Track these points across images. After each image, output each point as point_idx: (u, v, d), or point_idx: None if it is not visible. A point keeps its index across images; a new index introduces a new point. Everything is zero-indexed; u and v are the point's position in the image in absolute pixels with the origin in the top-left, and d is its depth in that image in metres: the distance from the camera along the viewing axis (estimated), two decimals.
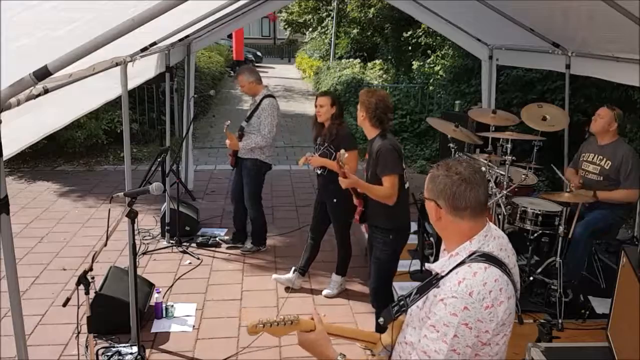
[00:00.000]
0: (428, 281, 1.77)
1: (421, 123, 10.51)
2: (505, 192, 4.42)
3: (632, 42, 3.62)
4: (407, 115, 10.97)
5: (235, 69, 23.37)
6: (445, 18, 6.32)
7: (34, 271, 5.05)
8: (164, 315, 4.31)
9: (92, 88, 3.09)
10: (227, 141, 5.24)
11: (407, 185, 3.65)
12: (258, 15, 7.05)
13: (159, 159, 5.53)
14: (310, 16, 23.05)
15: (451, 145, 5.13)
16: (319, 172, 4.53)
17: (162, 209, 5.94)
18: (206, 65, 15.93)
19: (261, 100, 5.18)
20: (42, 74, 1.76)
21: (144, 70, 4.63)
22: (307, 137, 11.71)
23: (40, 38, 1.93)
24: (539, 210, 4.37)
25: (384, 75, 15.36)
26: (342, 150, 3.38)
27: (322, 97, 4.49)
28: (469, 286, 1.62)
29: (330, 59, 20.10)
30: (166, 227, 5.77)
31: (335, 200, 4.45)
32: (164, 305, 4.34)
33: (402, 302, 1.82)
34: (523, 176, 4.47)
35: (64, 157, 9.18)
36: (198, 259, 5.39)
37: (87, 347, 3.56)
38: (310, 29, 24.16)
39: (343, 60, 17.95)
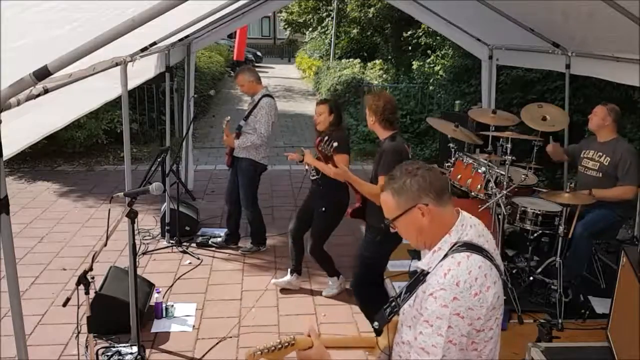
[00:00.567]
0: (415, 278, 1.80)
1: (421, 123, 10.51)
2: (505, 192, 4.42)
3: (632, 42, 3.62)
4: (407, 115, 10.97)
5: (236, 69, 23.42)
6: (445, 18, 6.32)
7: (34, 271, 5.05)
8: (164, 315, 4.31)
9: (92, 88, 3.08)
10: (224, 136, 5.26)
11: None
12: (258, 15, 7.05)
13: (159, 159, 5.54)
14: (310, 16, 23.04)
15: (451, 145, 5.12)
16: (313, 177, 4.48)
17: (162, 209, 5.94)
18: (206, 65, 15.93)
19: (259, 100, 5.20)
20: (42, 74, 1.76)
21: (144, 70, 4.63)
22: (307, 137, 11.72)
23: (40, 38, 1.93)
24: (539, 210, 4.36)
25: (384, 75, 15.36)
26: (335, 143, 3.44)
27: (321, 104, 4.46)
28: (455, 276, 1.65)
29: (330, 59, 20.08)
30: (166, 227, 5.77)
31: (323, 209, 4.42)
32: (164, 305, 4.34)
33: (394, 303, 1.83)
34: (523, 176, 4.46)
35: (64, 157, 9.18)
36: (198, 259, 5.39)
37: (87, 347, 3.56)
38: (310, 29, 24.16)
39: (343, 60, 17.92)
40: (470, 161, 4.80)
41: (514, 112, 5.34)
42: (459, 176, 4.84)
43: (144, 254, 5.46)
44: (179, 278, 5.00)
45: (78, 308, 2.94)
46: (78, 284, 2.92)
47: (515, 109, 6.33)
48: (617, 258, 3.20)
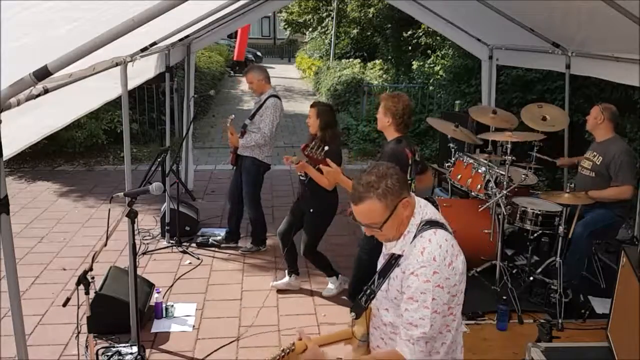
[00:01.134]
0: (387, 263, 1.94)
1: (421, 123, 10.49)
2: (505, 192, 4.42)
3: (632, 42, 3.62)
4: None
5: (236, 69, 23.41)
6: (445, 18, 6.32)
7: (34, 271, 5.05)
8: (164, 315, 4.31)
9: (92, 88, 3.08)
10: (229, 134, 5.27)
11: None
12: (258, 16, 7.05)
13: (159, 159, 5.54)
14: (310, 16, 23.02)
15: (451, 145, 5.12)
16: (302, 178, 4.45)
17: (162, 209, 5.93)
18: (206, 65, 15.93)
19: (266, 100, 5.21)
20: (42, 74, 1.76)
21: (144, 70, 4.63)
22: (307, 137, 11.70)
23: (40, 38, 1.93)
24: (539, 210, 4.36)
25: (384, 75, 15.36)
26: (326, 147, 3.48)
27: (310, 108, 4.47)
28: (430, 252, 1.82)
29: (330, 59, 20.07)
30: (166, 227, 5.77)
31: (311, 210, 4.40)
32: (164, 305, 4.34)
33: (369, 291, 1.99)
34: (523, 176, 4.46)
35: (64, 157, 9.18)
36: (198, 259, 5.39)
37: (87, 347, 3.56)
38: (310, 29, 24.14)
39: (343, 60, 17.92)
40: (470, 161, 4.81)
41: (514, 112, 5.34)
42: (459, 176, 4.84)
43: (144, 254, 5.46)
44: (179, 278, 5.00)
45: (78, 308, 2.94)
46: (78, 284, 2.92)
47: (515, 109, 6.32)
48: (617, 258, 3.19)
